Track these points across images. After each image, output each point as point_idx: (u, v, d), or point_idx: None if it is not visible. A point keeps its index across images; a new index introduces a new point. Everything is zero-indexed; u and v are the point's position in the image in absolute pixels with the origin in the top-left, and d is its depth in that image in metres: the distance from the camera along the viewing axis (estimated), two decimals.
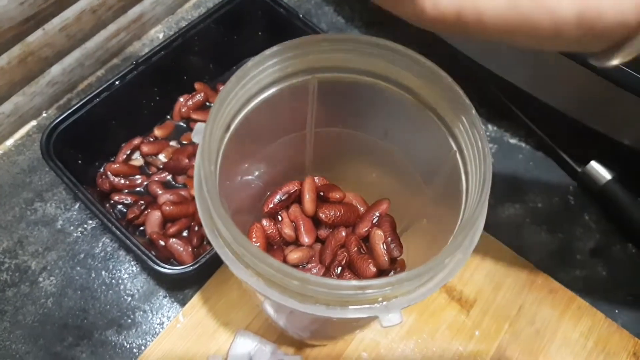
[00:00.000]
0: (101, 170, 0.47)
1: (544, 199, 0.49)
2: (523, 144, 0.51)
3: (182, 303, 0.43)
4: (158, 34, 0.54)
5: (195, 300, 0.42)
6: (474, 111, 0.26)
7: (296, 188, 0.35)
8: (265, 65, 0.26)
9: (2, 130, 0.48)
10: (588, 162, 0.48)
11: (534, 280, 0.44)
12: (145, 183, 0.47)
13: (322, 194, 0.35)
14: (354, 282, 0.21)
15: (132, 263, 0.45)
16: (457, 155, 0.27)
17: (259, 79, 0.26)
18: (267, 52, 0.26)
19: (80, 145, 0.45)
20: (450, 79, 0.26)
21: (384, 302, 0.22)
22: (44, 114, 0.50)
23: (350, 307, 0.22)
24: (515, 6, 0.18)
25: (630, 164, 0.46)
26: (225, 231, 0.22)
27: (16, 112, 0.47)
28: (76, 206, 0.47)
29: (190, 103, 0.49)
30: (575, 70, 0.42)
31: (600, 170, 0.48)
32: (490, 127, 0.52)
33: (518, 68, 0.47)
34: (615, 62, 0.20)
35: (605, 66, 0.20)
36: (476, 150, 0.25)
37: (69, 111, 0.43)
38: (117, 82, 0.44)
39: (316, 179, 0.36)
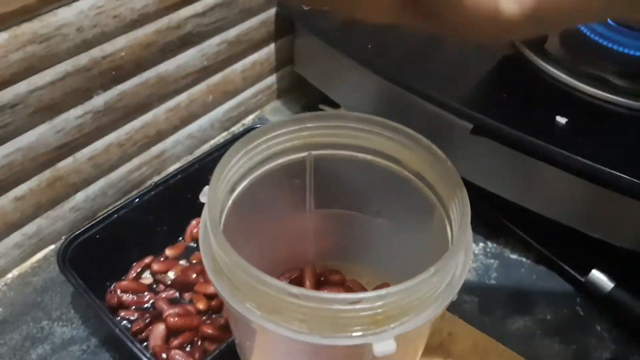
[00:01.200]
0: (111, 287, 0.48)
1: (553, 310, 0.49)
2: (524, 259, 0.52)
3: None
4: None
5: None
6: (449, 163, 0.28)
7: (297, 274, 0.36)
8: (266, 137, 0.30)
9: (22, 252, 0.50)
10: (590, 269, 0.49)
11: None
12: (152, 301, 0.48)
13: (322, 279, 0.36)
14: (347, 296, 0.22)
15: None
16: (442, 210, 0.29)
17: (261, 149, 0.30)
18: (268, 124, 0.30)
19: (94, 262, 0.47)
20: (434, 145, 0.29)
21: (378, 330, 0.23)
22: (63, 239, 0.53)
23: (344, 333, 0.23)
24: None
25: (633, 268, 0.47)
26: (225, 258, 0.24)
27: (38, 235, 0.50)
28: (82, 324, 0.47)
29: None
30: (567, 180, 0.45)
31: (602, 279, 0.48)
32: (489, 244, 0.54)
33: (509, 183, 0.50)
34: None
35: None
36: (456, 197, 0.27)
37: (88, 225, 0.46)
38: (136, 200, 0.48)
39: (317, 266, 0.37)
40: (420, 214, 0.31)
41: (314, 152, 0.32)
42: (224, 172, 0.28)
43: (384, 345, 0.22)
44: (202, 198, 0.28)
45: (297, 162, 0.32)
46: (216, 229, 0.24)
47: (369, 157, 0.31)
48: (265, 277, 0.22)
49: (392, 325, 0.23)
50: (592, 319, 0.48)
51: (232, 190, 0.29)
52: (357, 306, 0.22)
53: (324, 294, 0.22)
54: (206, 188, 0.29)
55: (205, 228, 0.26)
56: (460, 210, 0.26)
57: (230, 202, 0.29)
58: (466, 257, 0.26)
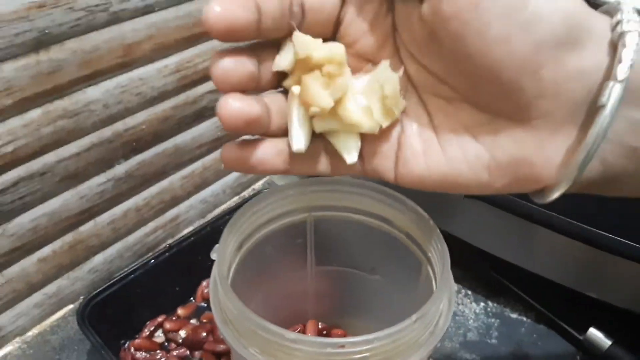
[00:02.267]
0: (125, 346, 0.51)
1: None
2: (524, 318, 0.54)
3: None
4: None
5: None
6: (431, 222, 0.31)
7: (300, 328, 0.38)
8: (271, 199, 0.33)
9: (42, 310, 0.53)
10: (588, 328, 0.50)
11: None
12: (163, 359, 0.50)
13: (324, 333, 0.38)
14: (337, 340, 0.24)
15: None
16: (428, 266, 0.31)
17: (266, 210, 0.33)
18: (274, 188, 0.33)
19: (109, 321, 0.49)
20: (418, 207, 0.32)
21: None
22: (81, 299, 0.55)
23: None
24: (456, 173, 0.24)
25: (630, 325, 0.48)
26: (231, 308, 0.26)
27: (58, 294, 0.53)
28: None
29: None
30: (563, 242, 0.47)
31: (600, 337, 0.49)
32: (490, 303, 0.55)
33: (506, 245, 0.52)
34: (554, 197, 0.23)
35: (545, 202, 0.24)
36: (438, 250, 0.30)
37: (106, 285, 0.49)
38: (152, 262, 0.51)
39: (320, 324, 0.40)
40: (410, 271, 0.33)
41: (314, 214, 0.35)
42: (232, 230, 0.31)
43: None
44: (213, 255, 0.31)
45: (299, 222, 0.35)
46: (224, 282, 0.27)
47: (363, 217, 0.35)
48: (265, 324, 0.25)
49: None
50: None
51: (240, 247, 0.32)
52: (347, 349, 0.24)
53: (317, 338, 0.24)
54: (217, 246, 0.32)
55: (215, 282, 0.29)
56: (440, 263, 0.29)
57: (237, 258, 0.32)
58: (449, 306, 0.28)
